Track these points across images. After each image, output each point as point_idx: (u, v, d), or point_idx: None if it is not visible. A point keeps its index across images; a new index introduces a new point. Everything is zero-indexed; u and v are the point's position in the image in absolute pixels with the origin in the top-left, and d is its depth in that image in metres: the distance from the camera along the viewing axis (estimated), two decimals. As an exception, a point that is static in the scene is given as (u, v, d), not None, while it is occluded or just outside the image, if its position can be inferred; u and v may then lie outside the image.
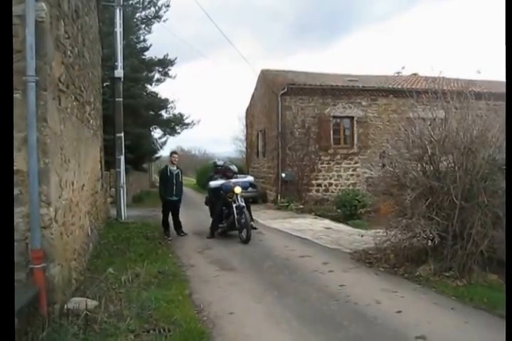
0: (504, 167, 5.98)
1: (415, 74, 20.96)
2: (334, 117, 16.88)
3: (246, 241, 8.64)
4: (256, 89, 22.15)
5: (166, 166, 9.91)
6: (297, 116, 16.54)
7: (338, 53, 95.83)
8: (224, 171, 10.16)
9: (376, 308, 4.66)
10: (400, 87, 17.03)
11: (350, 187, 15.32)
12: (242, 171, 24.56)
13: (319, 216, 13.61)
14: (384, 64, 72.76)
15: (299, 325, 4.20)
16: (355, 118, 16.93)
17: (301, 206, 15.36)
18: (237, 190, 9.12)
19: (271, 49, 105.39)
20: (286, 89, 16.46)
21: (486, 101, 7.39)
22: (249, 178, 10.42)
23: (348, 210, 12.67)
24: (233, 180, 9.54)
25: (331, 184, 16.57)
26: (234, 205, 9.03)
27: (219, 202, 9.55)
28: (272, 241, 9.07)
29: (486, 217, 5.57)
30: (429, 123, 6.65)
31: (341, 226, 11.35)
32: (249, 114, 24.18)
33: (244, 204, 8.98)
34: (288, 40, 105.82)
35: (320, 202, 15.78)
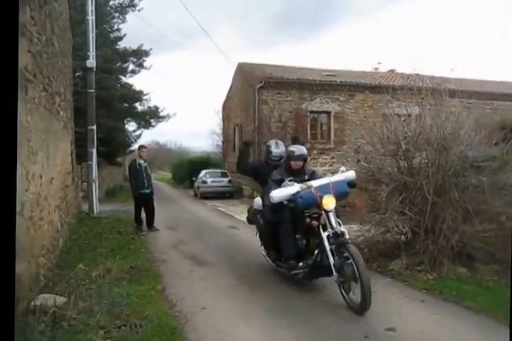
0: (475, 163, 6.12)
1: (392, 71, 21.18)
2: (311, 112, 16.98)
3: (361, 309, 4.21)
4: (233, 82, 22.05)
5: (135, 159, 9.88)
6: (274, 111, 16.57)
7: (321, 46, 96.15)
8: (290, 163, 5.43)
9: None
10: (376, 83, 17.20)
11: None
12: (219, 166, 24.72)
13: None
14: (364, 58, 73.34)
15: (270, 319, 4.19)
16: (332, 114, 17.07)
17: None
18: (330, 202, 4.65)
19: (253, 41, 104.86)
20: (263, 83, 16.46)
21: (460, 98, 7.49)
22: (349, 174, 5.31)
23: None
24: (314, 183, 5.02)
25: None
26: (324, 234, 4.60)
27: (286, 224, 5.14)
28: (247, 236, 9.00)
29: (457, 212, 5.66)
30: (403, 119, 6.70)
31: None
32: (226, 107, 24.10)
33: (344, 229, 4.68)
34: (271, 33, 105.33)
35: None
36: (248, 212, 6.42)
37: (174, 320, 4.15)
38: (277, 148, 5.86)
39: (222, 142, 26.70)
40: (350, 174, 5.33)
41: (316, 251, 4.78)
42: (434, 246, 5.66)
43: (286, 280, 5.46)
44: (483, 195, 5.78)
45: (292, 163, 5.34)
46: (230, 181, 20.39)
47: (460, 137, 6.08)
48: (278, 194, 4.89)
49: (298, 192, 4.84)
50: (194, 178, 22.21)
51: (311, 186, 4.89)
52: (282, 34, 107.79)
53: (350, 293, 4.39)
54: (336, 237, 4.54)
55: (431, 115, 6.39)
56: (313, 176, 5.39)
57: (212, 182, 20.09)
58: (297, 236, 5.13)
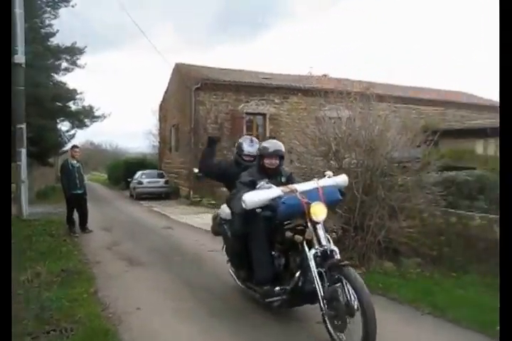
0: (400, 164, 6.50)
1: (325, 75, 21.84)
2: (247, 114, 17.21)
3: None
4: (170, 83, 21.86)
5: (67, 160, 9.65)
6: (211, 112, 16.63)
7: (260, 47, 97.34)
8: (263, 162, 4.30)
9: (282, 299, 4.83)
10: (310, 86, 17.63)
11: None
12: (155, 166, 24.36)
13: (232, 211, 13.73)
14: (300, 62, 75.10)
15: (207, 317, 4.22)
16: (268, 116, 17.37)
17: (214, 201, 15.43)
18: (319, 212, 3.63)
19: (192, 41, 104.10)
20: (200, 85, 16.48)
21: (387, 103, 7.91)
22: (340, 179, 4.29)
23: (259, 205, 12.88)
24: (298, 186, 3.93)
25: (243, 179, 16.79)
26: (310, 252, 3.58)
27: (260, 239, 4.05)
28: (183, 236, 9.04)
29: (384, 210, 5.97)
30: (333, 121, 6.98)
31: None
32: (163, 108, 23.85)
33: (335, 247, 3.69)
34: (210, 33, 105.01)
35: (233, 198, 15.95)
36: (213, 220, 5.30)
37: (107, 321, 4.08)
38: (251, 146, 4.77)
39: (159, 143, 26.38)
40: (342, 179, 4.26)
41: (297, 274, 3.70)
42: (363, 242, 5.94)
43: (226, 281, 5.51)
44: (407, 193, 6.16)
45: (266, 161, 4.20)
46: (166, 182, 20.20)
47: (386, 139, 6.43)
48: (253, 198, 3.74)
49: (279, 197, 3.71)
50: (130, 179, 21.77)
51: (296, 190, 3.78)
52: (222, 34, 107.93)
53: (340, 333, 3.36)
54: (326, 257, 3.54)
55: (359, 118, 6.71)
56: (291, 179, 4.38)
57: (149, 182, 19.82)
58: (274, 253, 4.05)
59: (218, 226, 5.06)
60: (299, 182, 4.24)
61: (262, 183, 3.97)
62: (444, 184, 7.11)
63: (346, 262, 3.41)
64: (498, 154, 13.52)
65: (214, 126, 16.62)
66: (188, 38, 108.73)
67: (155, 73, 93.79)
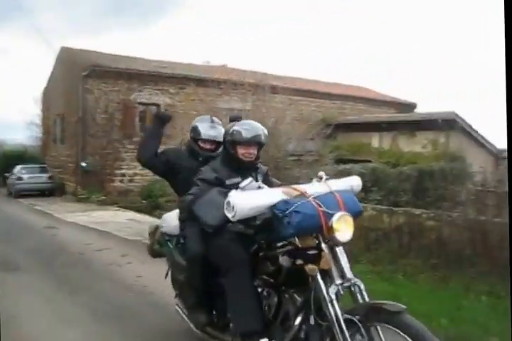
0: (295, 157, 6.57)
1: (224, 65, 21.71)
2: (140, 104, 16.50)
3: None
4: (55, 68, 20.44)
5: None
6: (100, 101, 15.72)
7: (155, 35, 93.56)
8: (236, 152, 2.81)
9: (171, 295, 4.64)
10: (207, 76, 17.33)
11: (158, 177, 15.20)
12: (38, 160, 22.53)
13: (123, 208, 13.32)
14: (199, 52, 73.80)
15: (91, 320, 4.01)
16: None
17: (104, 197, 14.76)
18: (346, 227, 2.27)
19: (83, 25, 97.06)
20: (88, 71, 15.50)
21: (285, 95, 7.97)
22: (354, 182, 2.81)
23: (153, 201, 12.50)
24: (307, 188, 2.45)
25: (136, 174, 15.96)
26: (330, 289, 2.22)
27: (240, 264, 2.61)
28: (68, 236, 8.50)
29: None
30: (224, 113, 6.84)
31: (146, 217, 11.18)
32: (47, 96, 22.16)
33: (361, 282, 2.31)
34: (103, 18, 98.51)
35: (124, 193, 15.32)
36: (150, 236, 3.81)
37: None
38: (213, 127, 3.34)
39: (42, 134, 24.47)
40: (357, 182, 2.86)
41: (297, 320, 2.43)
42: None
43: (114, 280, 5.16)
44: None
45: (241, 151, 2.79)
46: (50, 177, 18.74)
47: (280, 131, 6.46)
48: (248, 202, 2.34)
49: (286, 202, 2.30)
50: (7, 174, 19.92)
51: (306, 193, 2.39)
52: (115, 19, 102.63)
53: None
54: (354, 297, 2.33)
55: (253, 109, 6.66)
56: (267, 178, 3.06)
57: (30, 178, 18.19)
58: (261, 290, 2.73)
59: (159, 245, 3.66)
60: (278, 183, 3.07)
61: (249, 180, 2.53)
62: (340, 176, 7.35)
63: (401, 306, 2.05)
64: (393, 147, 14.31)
65: (104, 117, 15.71)
66: (77, 22, 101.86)
67: (38, 57, 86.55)
